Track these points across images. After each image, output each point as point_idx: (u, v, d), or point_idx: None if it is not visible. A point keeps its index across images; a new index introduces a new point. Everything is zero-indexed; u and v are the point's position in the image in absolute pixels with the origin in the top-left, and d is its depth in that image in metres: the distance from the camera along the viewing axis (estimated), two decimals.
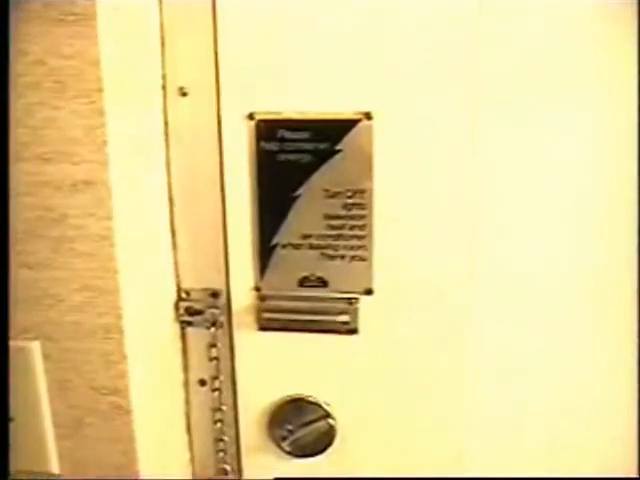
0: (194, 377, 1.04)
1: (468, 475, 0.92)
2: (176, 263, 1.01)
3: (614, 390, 0.69)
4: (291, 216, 0.96)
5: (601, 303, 0.72)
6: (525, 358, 0.83)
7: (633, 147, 0.67)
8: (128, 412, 0.90)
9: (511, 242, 0.85)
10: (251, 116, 0.95)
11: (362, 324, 0.97)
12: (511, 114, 0.80)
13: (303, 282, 0.99)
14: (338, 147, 0.94)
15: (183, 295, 1.02)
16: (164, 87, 0.97)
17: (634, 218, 0.68)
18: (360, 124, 0.93)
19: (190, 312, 1.02)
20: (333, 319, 0.98)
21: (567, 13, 0.70)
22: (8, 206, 0.84)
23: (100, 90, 0.82)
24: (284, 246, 0.98)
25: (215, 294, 1.01)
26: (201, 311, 1.01)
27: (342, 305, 0.98)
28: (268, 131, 0.95)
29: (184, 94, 0.97)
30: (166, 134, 0.99)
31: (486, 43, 0.83)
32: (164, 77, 0.96)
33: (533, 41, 0.76)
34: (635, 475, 0.62)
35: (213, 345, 1.02)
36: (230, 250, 0.98)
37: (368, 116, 0.92)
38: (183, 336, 1.04)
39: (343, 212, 0.96)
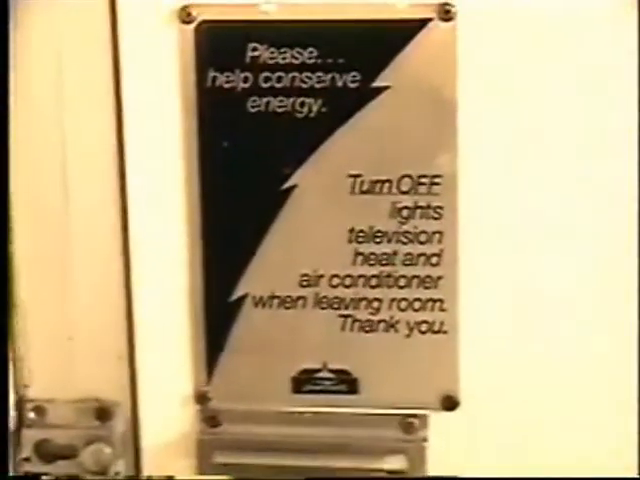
0: None
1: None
2: (14, 348, 0.54)
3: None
4: (276, 236, 0.50)
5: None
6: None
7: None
8: None
9: None
10: (187, 14, 0.49)
11: (432, 471, 0.53)
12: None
13: (303, 383, 0.51)
14: (379, 82, 0.48)
15: (30, 416, 0.55)
16: None
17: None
18: (428, 30, 0.47)
19: (46, 453, 0.54)
20: (371, 465, 0.52)
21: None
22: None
23: None
24: (259, 302, 0.51)
25: (104, 413, 0.54)
26: (72, 451, 0.54)
27: (390, 433, 0.52)
28: (225, 47, 0.49)
29: None
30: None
31: None
32: None
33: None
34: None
35: None
36: (137, 315, 0.53)
37: (446, 13, 0.47)
38: None
39: (392, 226, 0.50)
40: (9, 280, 0.52)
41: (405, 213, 0.48)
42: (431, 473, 0.51)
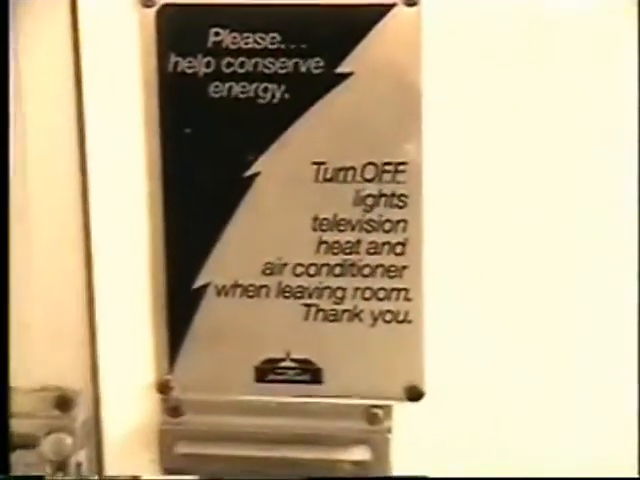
0: None
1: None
2: None
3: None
4: (238, 224, 0.49)
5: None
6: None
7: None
8: None
9: None
10: None
11: (399, 465, 0.52)
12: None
13: (266, 372, 0.51)
14: (343, 68, 0.47)
15: None
16: None
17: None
18: (392, 15, 0.47)
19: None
20: (335, 456, 0.51)
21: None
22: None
23: None
24: (221, 291, 0.50)
25: (64, 402, 0.53)
26: (33, 440, 0.53)
27: (355, 424, 0.51)
28: (187, 32, 0.48)
29: None
30: None
31: None
32: None
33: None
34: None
35: None
36: (98, 302, 0.52)
37: None
38: None
39: (357, 214, 0.49)
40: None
41: (369, 201, 0.47)
42: (395, 465, 0.50)
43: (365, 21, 0.46)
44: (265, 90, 0.47)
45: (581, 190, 0.49)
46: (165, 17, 0.46)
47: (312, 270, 0.48)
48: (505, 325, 0.50)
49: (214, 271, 0.48)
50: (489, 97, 0.47)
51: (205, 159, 0.48)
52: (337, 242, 0.48)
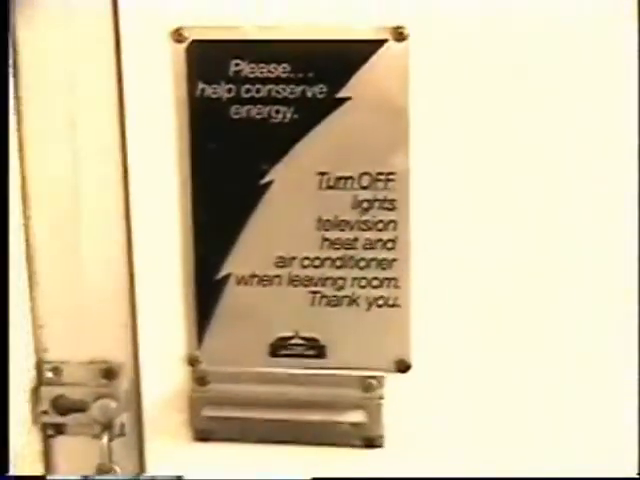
0: None
1: None
2: (34, 316, 0.61)
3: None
4: (255, 224, 0.57)
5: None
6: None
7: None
8: None
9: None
10: (179, 35, 0.55)
11: (390, 428, 0.58)
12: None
13: (279, 348, 0.58)
14: (342, 94, 0.55)
15: (48, 375, 0.61)
16: None
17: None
18: (384, 50, 0.54)
19: (62, 407, 0.61)
20: (335, 419, 0.58)
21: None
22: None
23: None
24: (241, 280, 0.58)
25: (110, 373, 0.61)
26: (83, 405, 0.60)
27: (352, 392, 0.58)
28: (212, 63, 0.55)
29: None
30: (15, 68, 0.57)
31: None
32: None
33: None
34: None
35: (106, 470, 0.59)
36: (138, 291, 0.59)
37: (399, 34, 0.54)
38: (47, 452, 0.63)
39: (354, 215, 0.56)
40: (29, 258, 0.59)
41: (365, 205, 0.55)
42: (387, 427, 0.57)
43: (361, 54, 0.54)
44: (277, 112, 0.55)
45: (562, 191, 0.55)
46: (193, 51, 0.55)
47: (317, 262, 0.56)
48: (485, 308, 0.56)
49: (234, 264, 0.57)
50: (468, 117, 0.54)
51: (227, 169, 0.56)
52: (338, 239, 0.56)
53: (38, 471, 0.61)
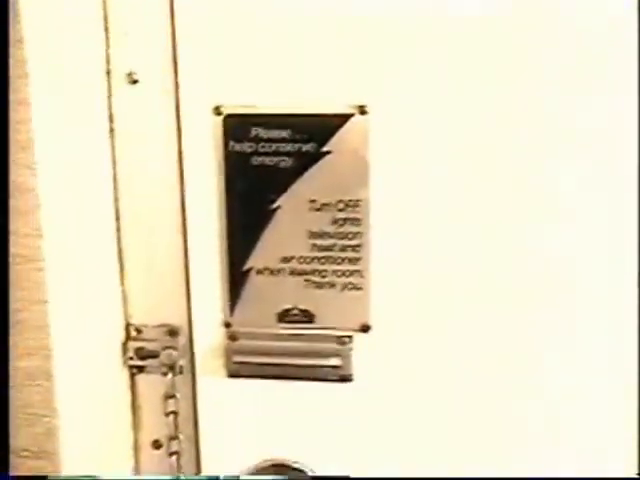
0: (147, 437, 0.87)
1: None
2: (124, 293, 0.84)
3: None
4: (268, 234, 0.81)
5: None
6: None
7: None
8: None
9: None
10: (218, 110, 0.80)
11: (357, 369, 0.82)
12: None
13: (283, 317, 0.83)
14: (326, 148, 0.79)
15: (133, 333, 0.85)
16: (109, 72, 0.80)
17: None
18: (352, 120, 0.78)
19: (142, 355, 0.85)
20: (321, 363, 0.82)
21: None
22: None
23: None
24: (259, 271, 0.82)
25: (173, 332, 0.85)
26: (156, 353, 0.84)
27: (332, 345, 0.82)
28: (239, 129, 0.80)
29: (134, 81, 0.79)
30: (111, 131, 0.80)
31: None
32: (108, 60, 0.78)
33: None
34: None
35: (171, 396, 0.84)
36: (192, 277, 0.83)
37: (362, 110, 0.78)
38: (133, 385, 0.86)
39: (333, 229, 0.81)
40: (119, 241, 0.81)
41: (340, 222, 0.80)
42: (356, 369, 0.81)
43: (338, 122, 0.79)
44: (283, 161, 0.80)
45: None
46: (227, 121, 0.80)
47: (308, 260, 0.82)
48: (424, 288, 0.79)
49: (255, 260, 0.82)
50: (417, 166, 0.78)
51: (249, 199, 0.81)
52: (322, 244, 0.81)
53: (127, 400, 0.85)
